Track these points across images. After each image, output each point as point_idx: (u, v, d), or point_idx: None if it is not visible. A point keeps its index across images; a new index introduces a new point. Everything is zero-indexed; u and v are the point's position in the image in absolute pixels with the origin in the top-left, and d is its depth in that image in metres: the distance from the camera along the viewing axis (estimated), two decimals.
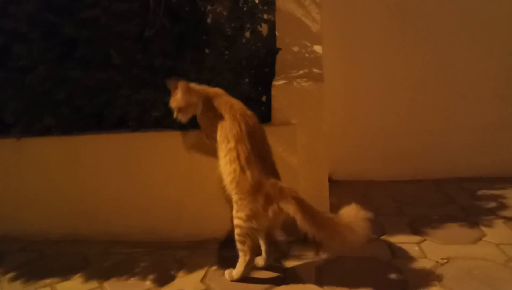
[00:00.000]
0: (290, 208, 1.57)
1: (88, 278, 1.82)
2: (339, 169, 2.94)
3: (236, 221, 1.65)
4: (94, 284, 1.77)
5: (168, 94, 2.11)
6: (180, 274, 1.81)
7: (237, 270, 1.69)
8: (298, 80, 1.98)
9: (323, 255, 1.89)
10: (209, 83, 2.18)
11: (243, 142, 1.60)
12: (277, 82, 2.02)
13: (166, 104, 2.11)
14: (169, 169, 2.13)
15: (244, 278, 1.70)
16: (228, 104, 1.71)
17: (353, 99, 3.03)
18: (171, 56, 2.23)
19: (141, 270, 1.86)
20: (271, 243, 1.80)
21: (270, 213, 1.60)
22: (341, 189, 2.74)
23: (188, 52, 2.28)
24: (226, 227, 2.08)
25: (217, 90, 1.82)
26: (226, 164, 1.63)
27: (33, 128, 2.10)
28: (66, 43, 2.22)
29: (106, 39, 2.17)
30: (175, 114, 1.73)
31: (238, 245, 1.67)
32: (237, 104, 1.74)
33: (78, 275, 1.84)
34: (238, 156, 1.60)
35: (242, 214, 1.61)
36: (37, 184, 2.23)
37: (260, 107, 2.32)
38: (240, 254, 1.68)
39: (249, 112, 1.72)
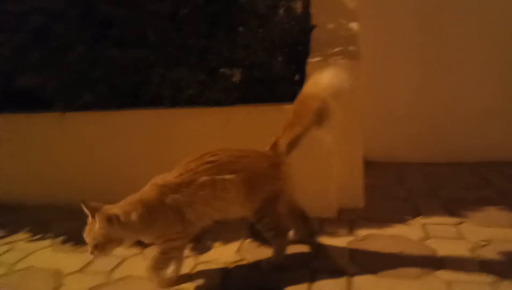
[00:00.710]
0: None
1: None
2: (373, 150, 2.88)
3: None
4: (137, 249, 1.84)
5: (202, 72, 2.14)
6: (216, 245, 1.87)
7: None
8: (334, 57, 1.96)
9: (357, 234, 1.90)
10: (243, 61, 2.20)
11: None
12: (312, 60, 2.00)
13: (199, 82, 2.15)
14: (201, 145, 2.15)
15: None
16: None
17: (389, 78, 2.96)
18: (204, 35, 2.25)
19: None
20: (299, 219, 1.80)
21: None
22: (375, 170, 2.71)
23: (222, 31, 2.28)
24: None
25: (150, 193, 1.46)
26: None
27: (74, 104, 2.18)
28: (102, 23, 2.27)
29: (141, 18, 2.21)
30: (90, 250, 1.34)
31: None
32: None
33: None
34: None
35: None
36: (77, 156, 2.33)
37: (293, 86, 2.32)
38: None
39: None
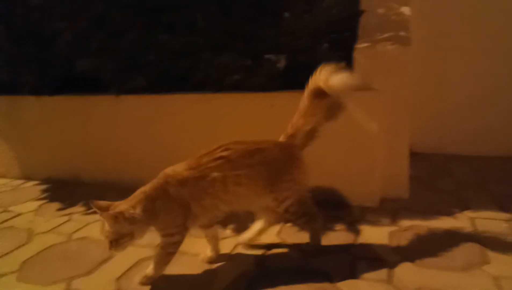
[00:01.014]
0: None
1: None
2: (419, 140, 2.80)
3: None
4: None
5: (248, 57, 2.17)
6: None
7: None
8: (383, 43, 1.91)
9: (400, 224, 1.87)
10: (288, 47, 2.20)
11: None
12: (360, 45, 1.97)
13: (245, 67, 2.18)
14: (245, 129, 2.21)
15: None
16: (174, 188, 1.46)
17: (439, 67, 2.83)
18: (250, 21, 2.26)
19: (221, 220, 1.97)
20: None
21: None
22: (421, 162, 2.63)
23: (267, 16, 2.29)
24: None
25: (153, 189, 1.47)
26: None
27: (127, 87, 2.30)
28: (155, 9, 2.35)
29: (191, 4, 2.26)
30: (108, 247, 1.41)
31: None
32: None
33: None
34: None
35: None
36: (129, 136, 2.46)
37: None
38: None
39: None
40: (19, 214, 2.23)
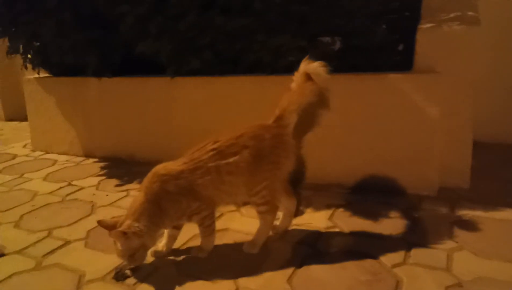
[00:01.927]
0: None
1: None
2: (482, 129, 2.59)
3: None
4: (233, 207, 1.98)
5: (303, 39, 2.14)
6: (308, 210, 1.91)
7: None
8: (449, 23, 1.80)
9: (459, 214, 1.79)
10: (344, 28, 2.14)
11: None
12: (424, 26, 1.87)
13: (299, 49, 2.16)
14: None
15: (373, 226, 1.73)
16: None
17: (508, 51, 2.63)
18: (306, 2, 2.23)
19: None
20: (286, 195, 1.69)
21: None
22: (482, 152, 2.47)
23: None
24: (352, 174, 2.12)
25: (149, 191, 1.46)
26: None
27: (182, 70, 2.36)
28: None
29: None
30: (128, 264, 1.47)
31: None
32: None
33: None
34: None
35: None
36: (184, 117, 2.53)
37: (396, 55, 2.20)
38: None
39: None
40: (82, 188, 2.39)
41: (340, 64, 2.14)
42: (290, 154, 1.55)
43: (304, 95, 1.54)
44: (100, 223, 1.45)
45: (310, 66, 1.56)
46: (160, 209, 1.44)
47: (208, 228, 1.54)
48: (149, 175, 1.50)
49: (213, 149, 1.48)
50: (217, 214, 1.90)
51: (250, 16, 2.15)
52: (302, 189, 2.11)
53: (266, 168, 1.50)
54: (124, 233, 1.38)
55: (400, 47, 2.21)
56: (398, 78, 1.93)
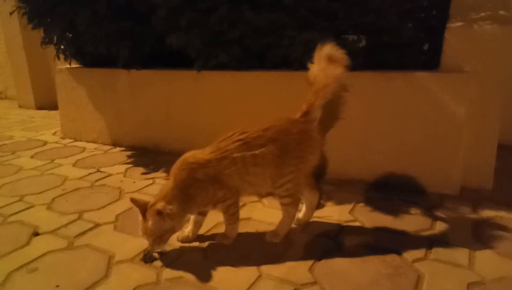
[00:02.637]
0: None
1: None
2: (507, 131, 2.60)
3: None
4: (255, 197, 2.04)
5: (331, 35, 2.16)
6: (329, 204, 1.94)
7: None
8: (480, 22, 1.79)
9: (482, 214, 1.79)
10: (372, 25, 2.15)
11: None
12: (453, 25, 1.87)
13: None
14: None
15: (394, 222, 1.75)
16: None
17: None
18: None
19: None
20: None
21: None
22: (507, 154, 2.45)
23: None
24: (374, 171, 2.13)
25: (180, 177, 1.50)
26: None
27: (210, 63, 2.42)
28: None
29: None
30: (152, 246, 1.48)
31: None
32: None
33: None
34: None
35: None
36: (209, 110, 2.58)
37: (421, 54, 2.20)
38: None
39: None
40: (110, 175, 2.48)
41: (367, 61, 2.17)
42: (315, 149, 1.58)
43: (328, 85, 1.54)
44: (132, 200, 1.49)
45: (329, 49, 1.57)
46: (188, 195, 1.49)
47: (232, 216, 1.59)
48: (178, 162, 1.55)
49: (240, 140, 1.52)
50: (240, 204, 1.96)
51: (279, 11, 2.18)
52: (323, 183, 2.15)
53: (291, 162, 1.53)
54: (160, 212, 1.42)
55: (426, 46, 2.21)
56: (425, 77, 1.93)
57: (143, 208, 1.46)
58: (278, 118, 1.60)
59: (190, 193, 1.49)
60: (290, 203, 1.59)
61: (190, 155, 1.56)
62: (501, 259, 1.44)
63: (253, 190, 1.66)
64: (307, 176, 1.64)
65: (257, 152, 1.50)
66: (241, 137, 1.53)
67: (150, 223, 1.43)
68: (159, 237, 1.46)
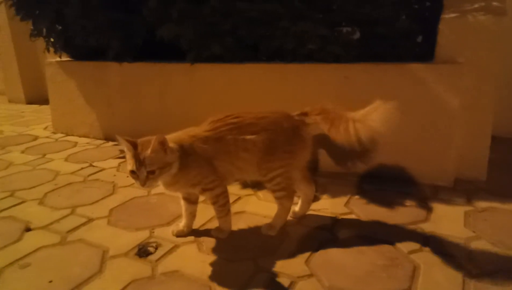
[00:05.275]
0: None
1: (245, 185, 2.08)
2: (501, 123, 2.56)
3: None
4: (250, 191, 2.03)
5: (325, 26, 2.14)
6: (324, 197, 1.94)
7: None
8: (474, 13, 1.79)
9: (476, 205, 1.80)
10: (367, 16, 2.13)
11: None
12: (447, 15, 1.86)
13: (321, 37, 2.16)
14: (319, 101, 2.20)
15: (389, 213, 1.75)
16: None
17: None
18: None
19: None
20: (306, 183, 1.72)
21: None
22: (500, 146, 2.46)
23: None
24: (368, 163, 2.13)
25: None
26: None
27: (203, 55, 2.38)
28: None
29: None
30: (141, 182, 1.33)
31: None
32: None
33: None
34: None
35: None
36: (204, 103, 2.54)
37: (415, 46, 2.18)
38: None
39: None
40: (103, 169, 2.45)
41: (363, 53, 2.16)
42: (306, 146, 1.58)
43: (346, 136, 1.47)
44: (119, 137, 1.35)
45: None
46: (187, 160, 1.43)
47: (223, 207, 1.56)
48: (179, 132, 1.53)
49: (233, 123, 1.51)
50: (234, 197, 1.95)
51: (274, 2, 2.14)
52: (318, 176, 2.15)
53: (282, 156, 1.53)
54: (163, 142, 1.33)
55: (419, 38, 2.20)
56: (419, 68, 1.92)
57: (133, 143, 1.35)
58: (274, 110, 1.59)
59: (189, 161, 1.44)
60: (284, 196, 1.58)
61: (191, 130, 1.54)
62: (498, 250, 1.44)
63: (240, 175, 1.64)
64: (302, 169, 1.64)
65: (248, 137, 1.50)
66: (234, 120, 1.52)
67: (150, 151, 1.31)
68: (159, 168, 1.33)
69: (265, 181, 1.56)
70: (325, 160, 2.21)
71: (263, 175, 1.55)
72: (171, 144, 1.39)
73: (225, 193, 1.56)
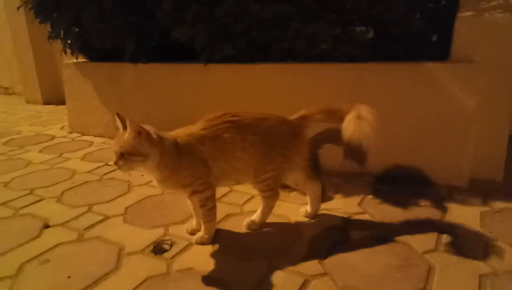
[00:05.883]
0: None
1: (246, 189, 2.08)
2: None
3: None
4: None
5: (337, 27, 2.14)
6: (337, 196, 1.94)
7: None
8: (491, 11, 1.76)
9: (493, 205, 1.77)
10: (380, 17, 2.12)
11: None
12: (463, 14, 1.84)
13: (333, 37, 2.16)
14: (329, 101, 2.20)
15: (403, 213, 1.74)
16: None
17: None
18: None
19: None
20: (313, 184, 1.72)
21: None
22: None
23: None
24: (382, 163, 2.12)
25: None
26: None
27: (216, 57, 2.41)
28: None
29: None
30: (114, 160, 1.35)
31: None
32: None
33: None
34: None
35: None
36: (216, 102, 2.56)
37: (429, 46, 2.16)
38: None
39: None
40: None
41: (377, 53, 2.15)
42: (302, 151, 1.61)
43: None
44: (118, 114, 1.38)
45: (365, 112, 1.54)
46: (180, 160, 1.42)
47: (210, 211, 1.55)
48: (176, 130, 1.52)
49: (231, 122, 1.51)
50: (247, 197, 1.97)
51: (285, 3, 2.16)
52: (332, 176, 2.14)
53: (276, 159, 1.55)
54: (140, 130, 1.32)
55: (434, 37, 2.18)
56: (434, 67, 1.90)
57: (124, 123, 1.35)
58: (273, 114, 1.60)
59: (182, 161, 1.43)
60: (270, 196, 1.62)
61: (187, 129, 1.52)
62: None
63: (235, 176, 1.63)
64: (303, 169, 1.66)
65: (247, 137, 1.50)
66: (232, 119, 1.51)
67: (126, 135, 1.32)
68: (128, 153, 1.32)
69: (256, 181, 1.58)
70: (338, 159, 2.21)
71: (256, 176, 1.56)
72: (154, 137, 1.35)
73: (213, 197, 1.56)
